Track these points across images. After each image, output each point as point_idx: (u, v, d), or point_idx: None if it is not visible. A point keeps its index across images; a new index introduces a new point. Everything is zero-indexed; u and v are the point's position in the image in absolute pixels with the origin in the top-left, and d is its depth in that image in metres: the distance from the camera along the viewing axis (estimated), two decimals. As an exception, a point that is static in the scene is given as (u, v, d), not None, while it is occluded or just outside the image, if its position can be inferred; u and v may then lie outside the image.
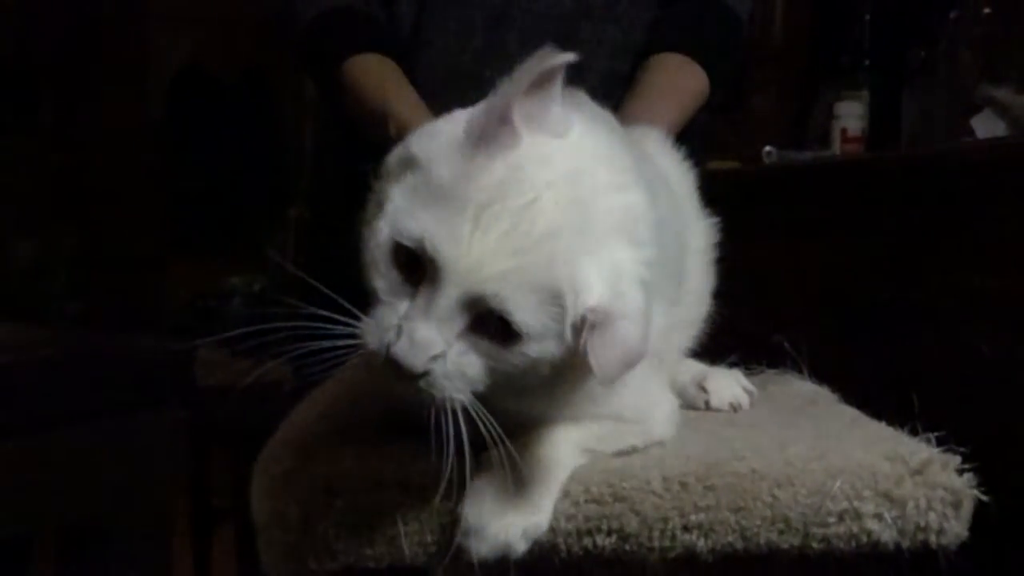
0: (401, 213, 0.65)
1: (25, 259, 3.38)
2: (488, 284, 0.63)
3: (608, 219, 0.66)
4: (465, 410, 0.65)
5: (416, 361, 0.63)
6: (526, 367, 0.66)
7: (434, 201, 0.65)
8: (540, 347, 0.65)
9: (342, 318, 0.66)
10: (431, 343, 0.63)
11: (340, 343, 0.66)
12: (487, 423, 0.66)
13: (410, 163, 0.68)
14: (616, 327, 0.63)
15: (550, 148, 0.67)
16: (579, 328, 0.63)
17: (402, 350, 0.63)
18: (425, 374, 0.64)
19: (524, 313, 0.63)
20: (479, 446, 0.69)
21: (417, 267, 0.65)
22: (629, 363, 0.63)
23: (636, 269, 0.66)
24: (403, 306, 0.65)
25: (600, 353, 0.63)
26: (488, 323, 0.64)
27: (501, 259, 0.63)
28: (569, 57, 0.65)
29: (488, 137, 0.65)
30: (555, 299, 0.63)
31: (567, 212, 0.64)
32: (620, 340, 0.63)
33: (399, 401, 0.70)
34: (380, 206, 0.68)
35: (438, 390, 0.65)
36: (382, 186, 0.70)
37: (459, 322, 0.64)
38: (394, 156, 0.71)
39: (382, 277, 0.67)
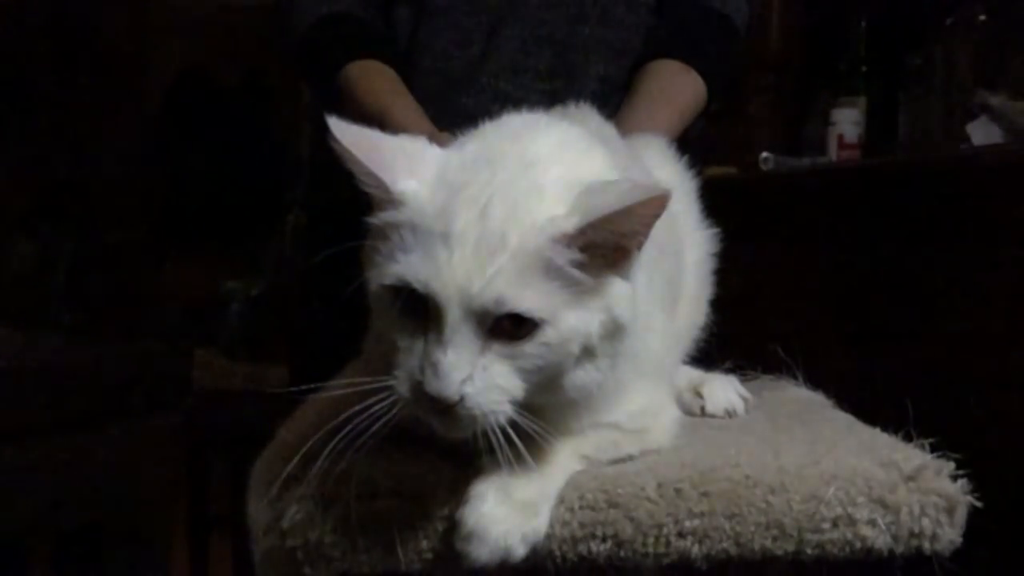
0: (385, 263, 0.68)
1: (22, 264, 3.37)
2: (484, 295, 0.64)
3: (552, 172, 0.70)
4: (512, 422, 0.67)
5: (449, 390, 0.65)
6: (555, 355, 0.67)
7: (408, 243, 0.67)
8: (558, 329, 0.66)
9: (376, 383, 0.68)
10: (456, 367, 0.65)
11: (379, 406, 0.67)
12: (535, 426, 0.68)
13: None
14: (606, 197, 0.66)
15: (467, 155, 0.72)
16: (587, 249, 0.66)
17: (432, 384, 0.65)
18: (461, 399, 0.65)
19: (529, 300, 0.65)
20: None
21: (420, 307, 0.67)
22: (644, 193, 0.66)
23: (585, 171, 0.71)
24: (420, 346, 0.67)
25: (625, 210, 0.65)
26: (503, 327, 0.66)
27: (484, 268, 0.65)
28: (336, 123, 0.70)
29: (390, 200, 0.69)
30: (546, 269, 0.66)
31: (516, 192, 0.67)
32: (622, 194, 0.66)
33: (453, 442, 0.71)
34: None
35: (478, 407, 0.66)
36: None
37: (475, 340, 0.66)
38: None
39: (392, 327, 0.69)
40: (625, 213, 0.66)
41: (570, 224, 0.66)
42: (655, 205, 0.66)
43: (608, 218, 0.66)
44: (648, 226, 0.68)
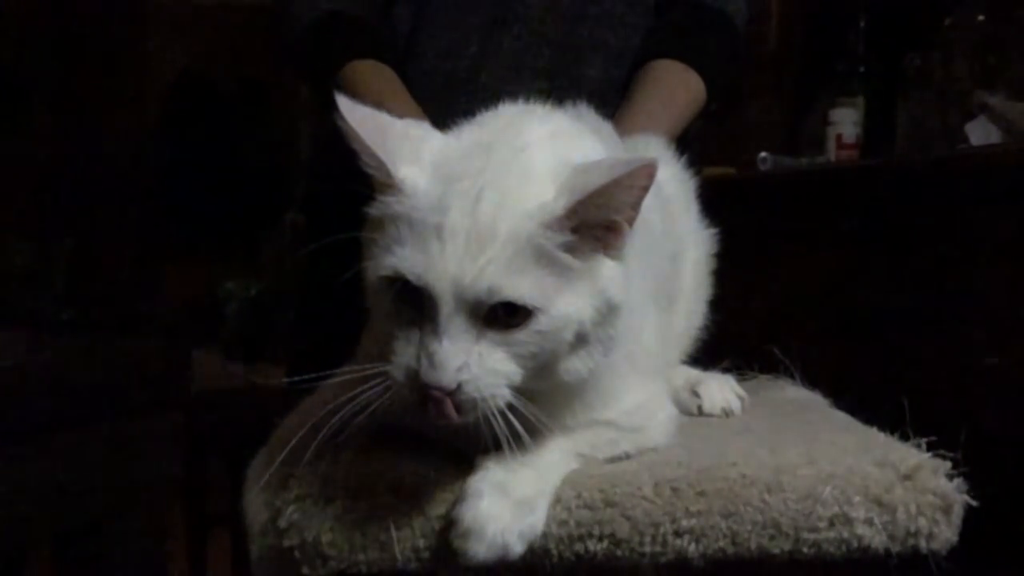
0: (381, 255, 0.68)
1: (21, 263, 3.37)
2: (477, 286, 0.65)
3: (542, 159, 0.70)
4: (511, 407, 0.68)
5: (445, 379, 0.65)
6: (549, 342, 0.67)
7: (404, 235, 0.68)
8: (551, 316, 0.67)
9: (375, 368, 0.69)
10: (452, 356, 0.66)
11: (374, 391, 0.68)
12: (533, 414, 0.69)
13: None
14: (592, 176, 0.66)
15: (463, 145, 0.72)
16: (578, 230, 0.67)
17: (429, 374, 0.66)
18: (458, 386, 0.66)
19: (521, 288, 0.65)
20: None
21: (415, 298, 0.67)
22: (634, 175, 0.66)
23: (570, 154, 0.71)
24: (416, 336, 0.67)
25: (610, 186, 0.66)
26: (497, 315, 0.66)
27: (476, 259, 0.65)
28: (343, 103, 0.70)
29: (390, 184, 0.69)
30: (538, 256, 0.66)
31: (507, 181, 0.68)
32: (606, 169, 0.66)
33: (455, 436, 0.72)
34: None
35: (477, 391, 0.66)
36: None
37: (470, 329, 0.66)
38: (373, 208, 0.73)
39: (389, 317, 0.69)
40: (613, 186, 0.66)
41: (559, 206, 0.66)
42: (643, 175, 0.66)
43: (597, 192, 0.66)
44: (638, 199, 0.68)
